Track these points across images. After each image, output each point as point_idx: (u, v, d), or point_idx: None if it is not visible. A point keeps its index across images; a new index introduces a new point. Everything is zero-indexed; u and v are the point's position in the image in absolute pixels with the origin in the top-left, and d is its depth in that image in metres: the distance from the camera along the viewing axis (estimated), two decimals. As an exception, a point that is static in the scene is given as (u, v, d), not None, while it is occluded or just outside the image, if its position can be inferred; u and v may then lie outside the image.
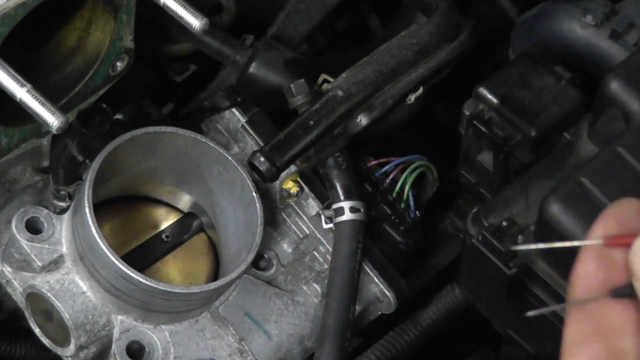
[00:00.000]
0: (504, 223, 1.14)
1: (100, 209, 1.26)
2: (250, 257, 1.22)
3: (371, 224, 1.33)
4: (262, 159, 1.18)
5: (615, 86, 1.08)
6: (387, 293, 1.33)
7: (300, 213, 1.35)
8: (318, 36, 1.61)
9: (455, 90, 1.36)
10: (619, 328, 0.74)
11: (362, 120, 1.25)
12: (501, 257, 1.14)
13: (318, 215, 1.35)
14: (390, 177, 1.33)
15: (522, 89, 1.24)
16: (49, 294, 1.21)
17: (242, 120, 1.37)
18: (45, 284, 1.22)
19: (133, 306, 1.22)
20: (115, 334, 1.23)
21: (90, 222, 1.16)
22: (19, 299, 1.26)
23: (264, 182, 1.20)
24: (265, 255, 1.33)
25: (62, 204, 1.29)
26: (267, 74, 1.36)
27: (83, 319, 1.22)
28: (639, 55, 1.17)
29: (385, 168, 1.34)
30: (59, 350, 1.25)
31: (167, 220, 1.33)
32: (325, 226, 1.35)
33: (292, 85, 1.27)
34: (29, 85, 1.12)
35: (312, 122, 1.22)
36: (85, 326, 1.22)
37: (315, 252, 1.35)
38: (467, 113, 1.27)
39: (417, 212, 1.33)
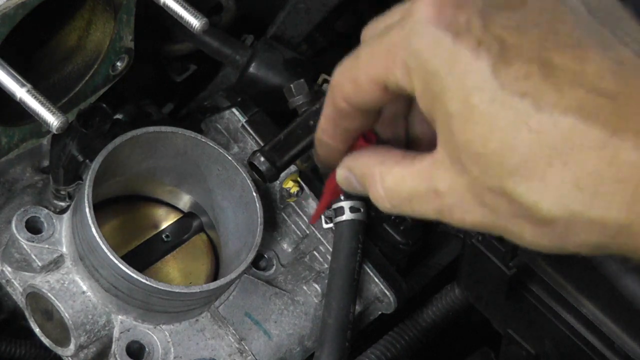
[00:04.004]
0: (504, 223, 1.13)
1: (100, 209, 1.26)
2: (250, 257, 1.22)
3: (371, 224, 1.33)
4: (262, 159, 1.18)
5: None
6: (387, 293, 1.33)
7: (300, 213, 1.35)
8: (318, 36, 1.61)
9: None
10: None
11: (362, 120, 1.25)
12: (501, 257, 1.14)
13: (318, 215, 1.35)
14: (390, 177, 1.33)
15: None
16: (49, 294, 1.21)
17: (242, 120, 1.37)
18: (45, 283, 1.22)
19: (133, 306, 1.22)
20: (115, 333, 1.23)
21: (90, 222, 1.16)
22: (19, 298, 1.26)
23: (264, 182, 1.20)
24: (265, 255, 1.33)
25: (62, 204, 1.29)
26: (267, 74, 1.36)
27: (83, 318, 1.22)
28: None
29: (385, 168, 1.33)
30: (59, 350, 1.25)
31: (167, 220, 1.33)
32: (325, 226, 1.34)
33: (292, 85, 1.26)
34: (29, 85, 1.12)
35: (312, 122, 1.22)
36: (85, 326, 1.22)
37: (315, 252, 1.35)
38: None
39: (417, 212, 1.33)
